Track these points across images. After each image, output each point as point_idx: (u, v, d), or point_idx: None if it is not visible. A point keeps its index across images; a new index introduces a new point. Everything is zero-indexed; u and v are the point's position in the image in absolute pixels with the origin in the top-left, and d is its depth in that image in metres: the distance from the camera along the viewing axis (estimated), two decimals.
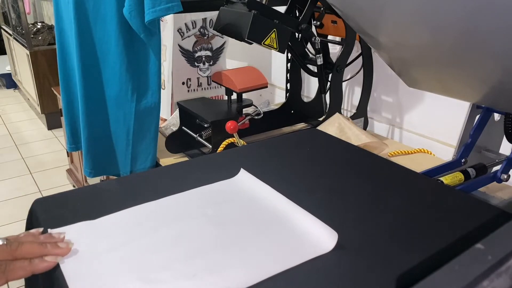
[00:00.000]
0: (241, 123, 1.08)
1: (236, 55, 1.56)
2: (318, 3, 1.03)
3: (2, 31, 3.68)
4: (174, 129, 1.22)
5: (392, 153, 1.09)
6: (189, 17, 1.30)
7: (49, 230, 0.51)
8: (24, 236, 0.50)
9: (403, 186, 0.64)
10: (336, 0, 0.68)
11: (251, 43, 0.96)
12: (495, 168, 0.84)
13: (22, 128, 3.20)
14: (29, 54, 2.86)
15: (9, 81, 3.99)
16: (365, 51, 1.17)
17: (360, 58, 1.18)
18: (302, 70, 1.19)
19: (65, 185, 2.35)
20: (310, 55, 1.15)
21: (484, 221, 0.54)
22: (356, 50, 1.18)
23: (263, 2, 1.00)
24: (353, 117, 1.23)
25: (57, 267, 0.46)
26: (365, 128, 1.27)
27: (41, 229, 0.53)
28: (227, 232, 0.52)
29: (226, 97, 1.18)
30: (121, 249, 0.49)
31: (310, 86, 1.57)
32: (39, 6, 3.96)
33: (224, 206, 0.58)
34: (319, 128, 1.06)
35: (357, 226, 0.53)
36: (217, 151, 1.02)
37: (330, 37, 1.22)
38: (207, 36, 1.36)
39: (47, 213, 0.55)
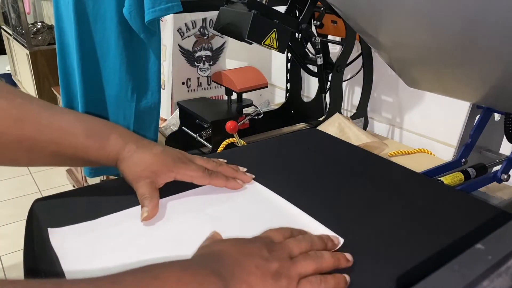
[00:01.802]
0: (241, 123, 1.08)
1: (236, 55, 1.56)
2: (318, 3, 1.03)
3: (2, 31, 3.68)
4: (174, 129, 1.22)
5: (392, 153, 1.09)
6: (189, 17, 1.30)
7: (49, 229, 0.51)
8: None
9: (403, 186, 0.64)
10: (336, 0, 0.68)
11: (251, 43, 0.96)
12: (495, 168, 0.84)
13: None
14: (29, 54, 2.86)
15: (9, 81, 3.97)
16: (365, 51, 1.17)
17: (360, 58, 1.18)
18: (302, 70, 1.19)
19: (65, 185, 2.35)
20: (310, 55, 1.15)
21: (484, 221, 0.54)
22: (356, 50, 1.18)
23: (263, 2, 1.00)
24: (353, 117, 1.23)
25: (57, 267, 0.46)
26: (365, 128, 1.27)
27: (225, 161, 0.64)
28: (227, 232, 0.52)
29: (226, 97, 1.18)
30: (121, 249, 0.49)
31: (310, 86, 1.57)
32: (39, 6, 3.95)
33: (224, 206, 0.58)
34: (319, 128, 1.06)
35: (357, 226, 0.53)
36: (217, 151, 1.02)
37: (330, 37, 1.22)
38: (207, 36, 1.36)
39: (47, 213, 0.55)
